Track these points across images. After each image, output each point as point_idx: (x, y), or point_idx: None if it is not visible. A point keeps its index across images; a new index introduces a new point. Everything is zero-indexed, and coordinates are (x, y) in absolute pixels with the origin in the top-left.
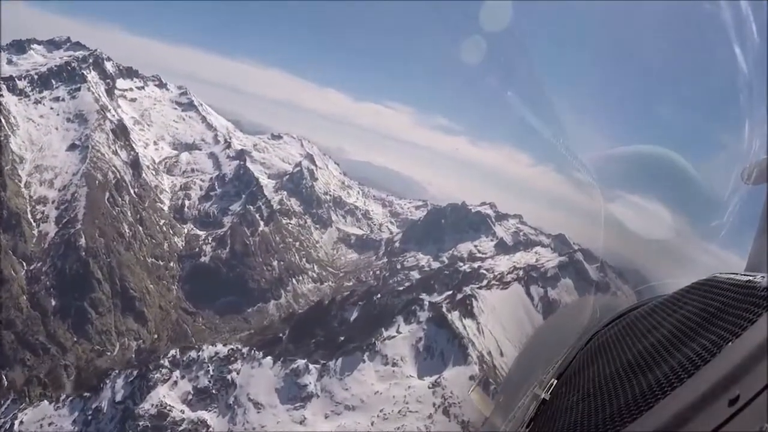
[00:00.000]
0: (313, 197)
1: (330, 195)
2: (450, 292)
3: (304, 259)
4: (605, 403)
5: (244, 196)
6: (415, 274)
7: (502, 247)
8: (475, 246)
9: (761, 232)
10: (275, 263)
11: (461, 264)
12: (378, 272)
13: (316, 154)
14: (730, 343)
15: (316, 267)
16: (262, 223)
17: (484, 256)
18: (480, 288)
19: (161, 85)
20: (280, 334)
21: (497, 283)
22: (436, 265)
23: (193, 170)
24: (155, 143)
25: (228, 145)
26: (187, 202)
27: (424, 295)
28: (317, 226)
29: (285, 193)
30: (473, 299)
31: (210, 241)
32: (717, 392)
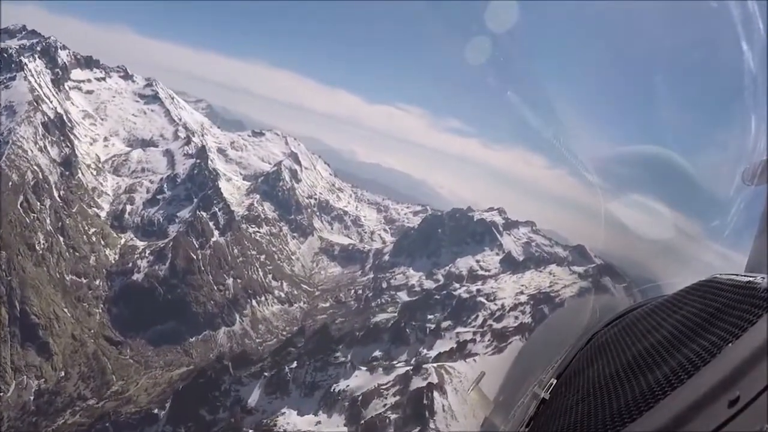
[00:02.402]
0: (291, 201)
1: (315, 199)
2: (405, 371)
3: (269, 276)
4: (605, 403)
5: (196, 200)
6: (403, 296)
7: (509, 263)
8: (478, 261)
9: (761, 233)
10: (230, 281)
11: (457, 285)
12: (360, 291)
13: (303, 152)
14: (730, 344)
15: (285, 284)
16: (216, 232)
17: (486, 274)
18: (461, 347)
19: (126, 77)
20: (156, 410)
21: (492, 327)
22: (428, 284)
23: (143, 170)
24: (106, 139)
25: (187, 141)
26: (129, 207)
27: (357, 375)
28: (295, 234)
29: (257, 196)
30: (435, 392)
31: (147, 255)
32: (717, 393)
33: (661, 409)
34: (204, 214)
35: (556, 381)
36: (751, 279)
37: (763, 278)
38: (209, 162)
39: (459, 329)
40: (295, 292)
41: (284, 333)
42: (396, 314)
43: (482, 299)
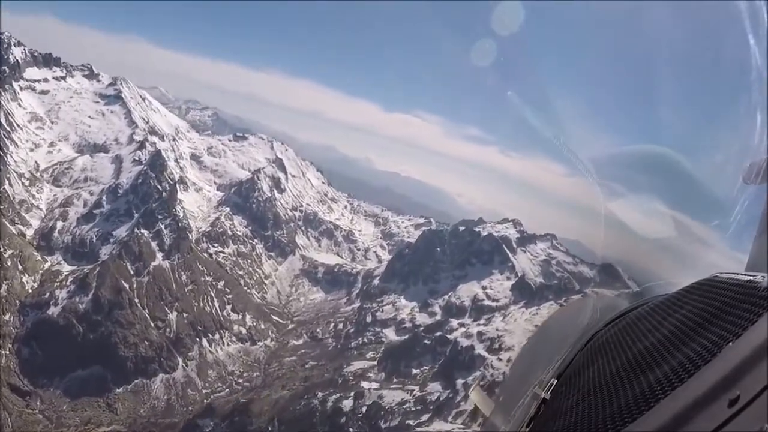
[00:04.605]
0: (268, 215)
1: (301, 211)
2: None
3: (228, 307)
4: (605, 403)
5: (137, 215)
6: (390, 333)
7: (522, 291)
8: (484, 288)
9: (762, 232)
10: (172, 316)
11: (455, 324)
12: (341, 325)
13: (291, 158)
14: (730, 344)
15: (249, 317)
16: (159, 254)
17: (494, 304)
18: None
19: (91, 76)
20: None
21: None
22: (421, 318)
23: (86, 179)
24: (52, 144)
25: (141, 146)
26: (59, 224)
27: None
28: (272, 253)
29: (227, 209)
30: None
31: (68, 283)
32: (717, 393)
33: (661, 409)
34: (145, 232)
35: (556, 381)
36: (751, 278)
37: (764, 277)
38: (168, 170)
39: (436, 425)
40: (262, 327)
41: (240, 380)
42: (375, 363)
43: (482, 351)
